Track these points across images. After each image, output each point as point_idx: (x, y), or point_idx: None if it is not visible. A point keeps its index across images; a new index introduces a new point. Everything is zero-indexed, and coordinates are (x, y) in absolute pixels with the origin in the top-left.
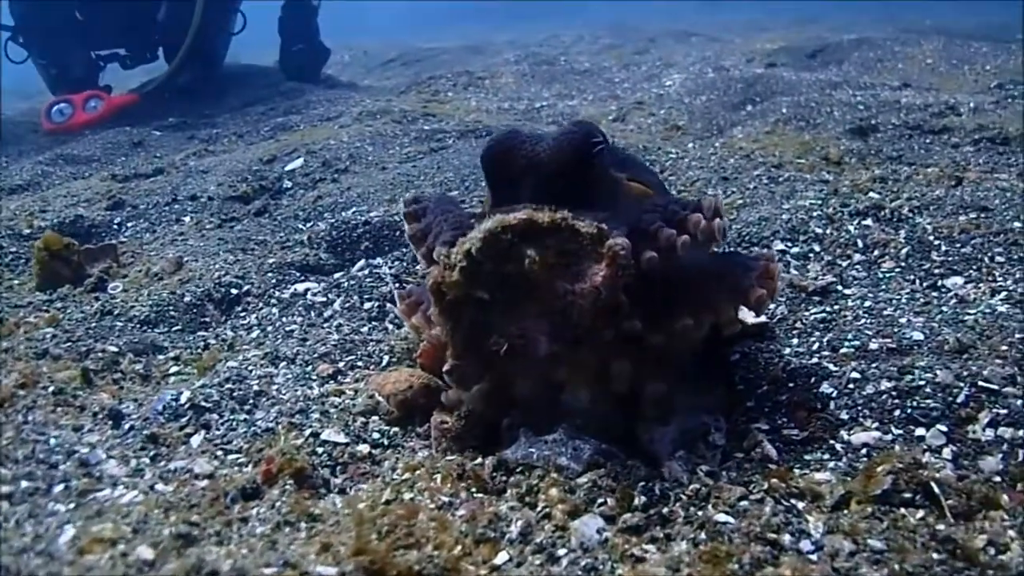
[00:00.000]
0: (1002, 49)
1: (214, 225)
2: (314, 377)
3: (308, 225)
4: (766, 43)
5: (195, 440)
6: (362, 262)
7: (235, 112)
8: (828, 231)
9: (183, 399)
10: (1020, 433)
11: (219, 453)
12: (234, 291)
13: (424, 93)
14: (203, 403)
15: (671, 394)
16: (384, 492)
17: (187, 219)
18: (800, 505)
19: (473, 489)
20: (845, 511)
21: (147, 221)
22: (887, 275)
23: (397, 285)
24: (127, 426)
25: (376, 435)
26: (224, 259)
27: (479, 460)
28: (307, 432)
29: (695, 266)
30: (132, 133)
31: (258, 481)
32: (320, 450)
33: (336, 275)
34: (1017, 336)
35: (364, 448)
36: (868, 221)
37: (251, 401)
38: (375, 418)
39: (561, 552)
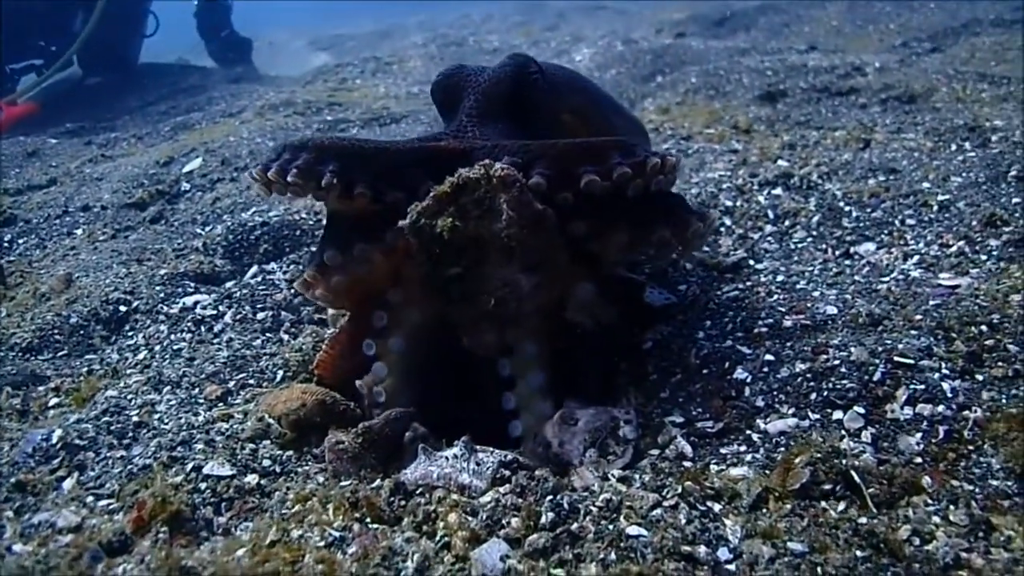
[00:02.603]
0: (905, 7)
1: (107, 236)
2: (201, 401)
3: (206, 230)
4: (674, 13)
5: (67, 485)
6: (255, 268)
7: (135, 113)
8: (738, 203)
9: (55, 438)
10: (939, 408)
11: (89, 499)
12: (122, 308)
13: (331, 82)
14: (77, 441)
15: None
16: (270, 531)
17: (79, 231)
18: (716, 508)
19: (368, 519)
20: (764, 510)
21: (38, 236)
22: (799, 245)
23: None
24: None
25: (267, 462)
26: (115, 273)
27: (376, 483)
28: (188, 466)
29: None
30: (26, 143)
31: (127, 531)
32: (203, 486)
33: (228, 284)
34: (931, 303)
35: (252, 479)
36: (778, 190)
37: (130, 435)
38: (266, 443)
39: None
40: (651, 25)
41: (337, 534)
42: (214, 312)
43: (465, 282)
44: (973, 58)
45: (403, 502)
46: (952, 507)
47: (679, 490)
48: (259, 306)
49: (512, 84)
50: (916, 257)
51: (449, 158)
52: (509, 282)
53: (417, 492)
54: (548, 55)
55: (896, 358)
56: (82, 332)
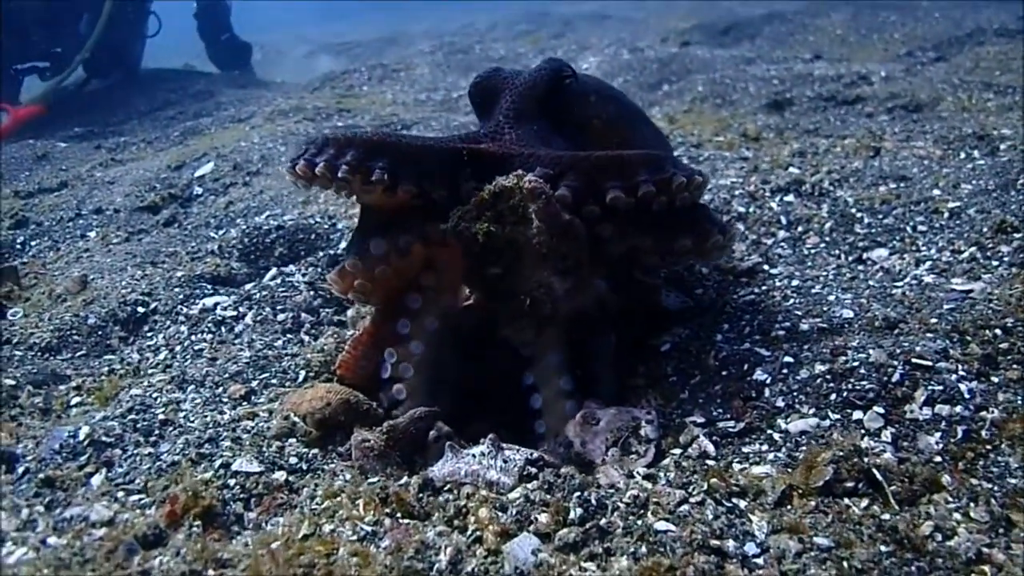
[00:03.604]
0: (909, 17)
1: (121, 239)
2: (225, 400)
3: (220, 233)
4: (679, 21)
5: (95, 480)
6: (274, 271)
7: (143, 117)
8: (751, 209)
9: (82, 435)
10: (957, 409)
11: (120, 495)
12: (140, 309)
13: (338, 88)
14: (104, 438)
15: None
16: (302, 526)
17: (92, 234)
18: (742, 504)
19: (398, 514)
20: (788, 507)
21: (51, 239)
22: (812, 251)
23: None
24: (22, 469)
25: (293, 460)
26: (131, 275)
27: (404, 480)
28: (217, 463)
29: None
30: (36, 146)
31: (161, 525)
32: (232, 482)
33: (247, 286)
34: (945, 307)
35: (280, 476)
36: (790, 197)
37: (156, 432)
38: (292, 441)
39: None
40: (656, 34)
41: (369, 528)
42: (234, 313)
43: (504, 281)
44: (978, 67)
45: (432, 498)
46: (972, 504)
47: (705, 487)
48: (279, 308)
49: (547, 87)
50: (928, 263)
51: (489, 161)
52: (544, 284)
53: (445, 488)
54: None
55: (914, 360)
56: (100, 333)
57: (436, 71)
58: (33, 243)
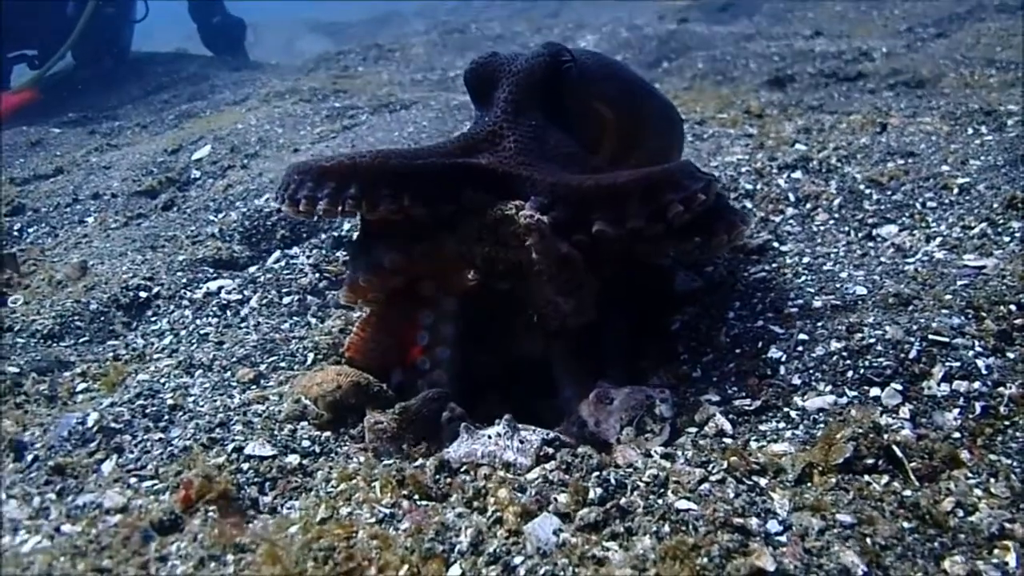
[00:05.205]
0: None
1: (119, 224)
2: (234, 384)
3: (219, 216)
4: None
5: (106, 467)
6: (277, 253)
7: (137, 102)
8: (759, 186)
9: (90, 421)
10: (975, 385)
11: (132, 481)
12: (143, 294)
13: (333, 69)
14: (113, 424)
15: None
16: (319, 509)
17: (90, 219)
18: (762, 482)
19: (416, 496)
20: (809, 484)
21: (48, 225)
22: (821, 228)
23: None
24: (30, 457)
25: (306, 443)
26: (131, 260)
27: (419, 462)
28: (229, 447)
29: None
30: (29, 133)
31: (176, 511)
32: (245, 466)
33: (251, 269)
34: (959, 284)
35: (294, 459)
36: (797, 174)
37: (166, 417)
38: (303, 424)
39: (517, 560)
40: (654, 11)
41: (387, 511)
42: (239, 297)
43: (513, 296)
44: (979, 44)
45: (449, 479)
46: (992, 480)
47: (724, 465)
48: (284, 291)
49: (545, 75)
50: (939, 239)
51: (491, 176)
52: (551, 301)
53: (462, 470)
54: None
55: (931, 336)
56: (103, 318)
57: (432, 51)
58: (31, 230)
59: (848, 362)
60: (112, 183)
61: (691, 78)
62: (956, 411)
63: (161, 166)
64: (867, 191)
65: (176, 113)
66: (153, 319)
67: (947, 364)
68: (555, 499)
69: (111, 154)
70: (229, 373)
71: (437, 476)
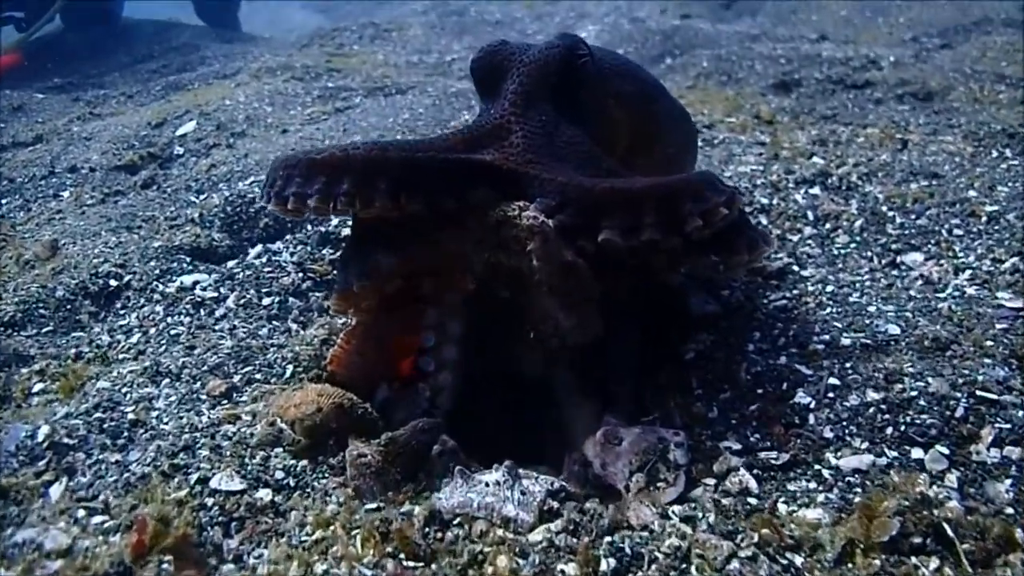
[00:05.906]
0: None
1: (96, 200)
2: (203, 398)
3: (201, 198)
4: None
5: (54, 491)
6: (259, 247)
7: (125, 70)
8: (775, 201)
9: (41, 435)
10: None
11: (80, 514)
12: (113, 283)
13: (328, 46)
14: (67, 439)
15: None
16: (291, 565)
17: (66, 194)
18: (798, 561)
19: (401, 555)
20: (851, 565)
21: (22, 197)
22: (842, 251)
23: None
24: None
25: (280, 474)
26: (104, 241)
27: (407, 508)
28: (193, 478)
29: None
30: (12, 97)
31: (127, 560)
32: (209, 502)
33: (230, 263)
34: (998, 327)
35: (265, 495)
36: (816, 190)
37: (126, 434)
38: (278, 451)
39: None
40: (656, 4)
41: (368, 572)
42: (215, 294)
43: (512, 306)
44: (984, 57)
45: (439, 534)
46: None
47: (755, 538)
48: (264, 290)
49: (560, 68)
50: (968, 271)
51: (496, 173)
52: (550, 317)
53: (455, 522)
54: (552, 30)
55: (979, 392)
56: (69, 307)
57: (430, 32)
58: (3, 202)
59: (887, 417)
60: (92, 156)
61: (695, 76)
62: (1008, 481)
63: (143, 140)
64: (890, 213)
65: (163, 84)
66: (122, 312)
67: (997, 426)
68: (561, 571)
69: (93, 124)
70: (199, 384)
71: (427, 529)
